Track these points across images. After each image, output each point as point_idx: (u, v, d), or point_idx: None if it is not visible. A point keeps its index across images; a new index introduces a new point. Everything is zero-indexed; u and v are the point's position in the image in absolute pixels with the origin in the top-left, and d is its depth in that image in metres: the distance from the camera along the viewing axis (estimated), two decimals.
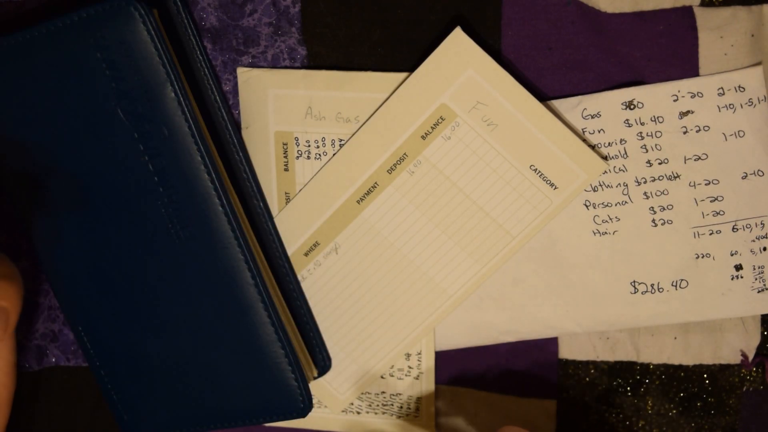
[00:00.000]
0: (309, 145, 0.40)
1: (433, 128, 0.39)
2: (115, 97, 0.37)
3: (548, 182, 0.39)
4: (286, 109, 0.40)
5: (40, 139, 0.38)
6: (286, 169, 0.41)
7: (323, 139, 0.40)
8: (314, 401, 0.44)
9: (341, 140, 0.40)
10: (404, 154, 0.39)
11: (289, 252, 0.42)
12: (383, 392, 0.43)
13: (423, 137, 0.39)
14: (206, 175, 0.37)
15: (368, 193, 0.40)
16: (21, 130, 0.38)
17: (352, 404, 0.44)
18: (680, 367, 0.42)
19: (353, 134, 0.40)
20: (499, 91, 0.38)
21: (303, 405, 0.40)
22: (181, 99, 0.36)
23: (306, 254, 0.41)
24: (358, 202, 0.40)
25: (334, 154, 0.40)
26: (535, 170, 0.39)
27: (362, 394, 0.43)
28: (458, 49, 0.38)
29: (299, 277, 0.42)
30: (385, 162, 0.40)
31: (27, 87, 0.37)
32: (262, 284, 0.39)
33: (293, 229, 0.41)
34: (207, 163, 0.37)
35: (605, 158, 0.39)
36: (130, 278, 0.39)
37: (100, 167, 0.38)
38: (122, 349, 0.41)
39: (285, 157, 0.41)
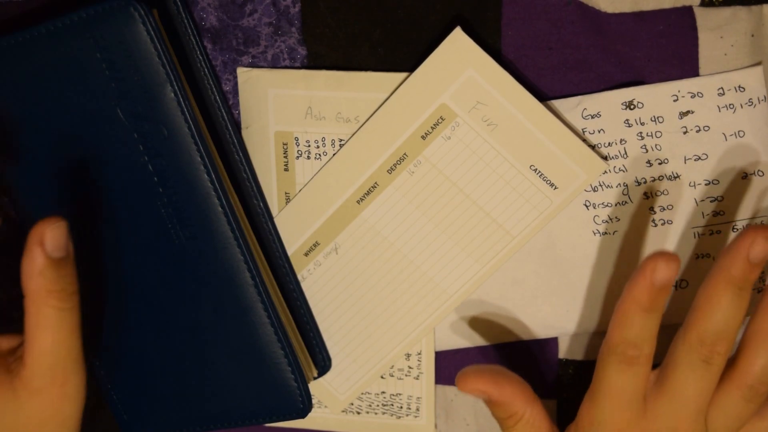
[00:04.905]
0: (309, 145, 0.40)
1: (433, 128, 0.39)
2: (115, 97, 0.37)
3: (548, 182, 0.39)
4: (286, 109, 0.40)
5: (39, 140, 0.38)
6: (286, 169, 0.41)
7: (323, 139, 0.40)
8: (314, 401, 0.44)
9: (341, 140, 0.40)
10: (404, 154, 0.39)
11: (289, 252, 0.42)
12: (383, 392, 0.43)
13: (423, 137, 0.39)
14: (206, 176, 0.37)
15: (368, 193, 0.40)
16: (20, 130, 0.38)
17: (352, 404, 0.44)
18: None
19: (353, 134, 0.40)
20: (499, 91, 0.38)
21: (302, 406, 0.40)
22: (181, 99, 0.36)
23: (306, 254, 0.41)
24: (358, 202, 0.40)
25: (334, 154, 0.40)
26: (535, 170, 0.39)
27: (362, 394, 0.43)
28: (458, 49, 0.38)
29: (299, 277, 0.42)
30: (385, 162, 0.40)
31: (27, 87, 0.37)
32: (261, 285, 0.39)
33: (293, 229, 0.41)
34: (207, 163, 0.37)
35: (605, 158, 0.39)
36: (129, 278, 0.39)
37: (99, 167, 0.38)
38: (122, 349, 0.41)
39: (285, 157, 0.41)
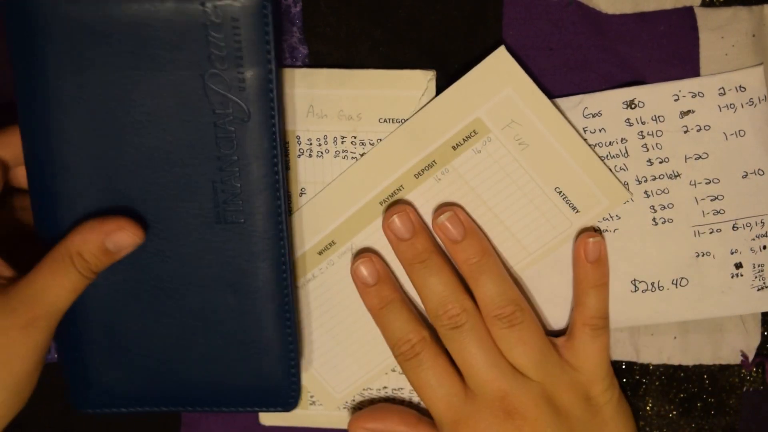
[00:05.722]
0: (311, 143, 0.40)
1: (465, 140, 0.39)
2: (206, 68, 0.36)
3: (571, 205, 0.39)
4: (287, 108, 0.40)
5: (111, 91, 0.36)
6: (288, 168, 0.41)
7: (325, 137, 0.40)
8: (312, 398, 0.44)
9: (343, 138, 0.40)
10: (433, 161, 0.39)
11: (302, 250, 0.41)
12: (385, 387, 0.43)
13: (454, 147, 0.39)
14: (274, 167, 0.37)
15: (392, 195, 0.40)
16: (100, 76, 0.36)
17: (353, 399, 0.44)
18: (680, 367, 0.42)
19: (385, 138, 0.39)
20: (534, 112, 0.38)
21: (293, 400, 0.41)
22: (273, 84, 0.36)
23: (320, 253, 0.41)
24: (380, 203, 0.40)
25: (362, 154, 0.40)
26: (560, 192, 0.39)
27: (364, 390, 0.43)
28: (500, 67, 0.38)
29: (309, 276, 0.42)
30: (414, 166, 0.39)
31: (120, 34, 0.36)
32: (290, 278, 0.39)
33: (309, 227, 0.41)
34: (278, 152, 0.37)
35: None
36: (158, 246, 0.38)
37: (168, 132, 0.37)
38: (124, 317, 0.40)
39: (286, 155, 0.41)
